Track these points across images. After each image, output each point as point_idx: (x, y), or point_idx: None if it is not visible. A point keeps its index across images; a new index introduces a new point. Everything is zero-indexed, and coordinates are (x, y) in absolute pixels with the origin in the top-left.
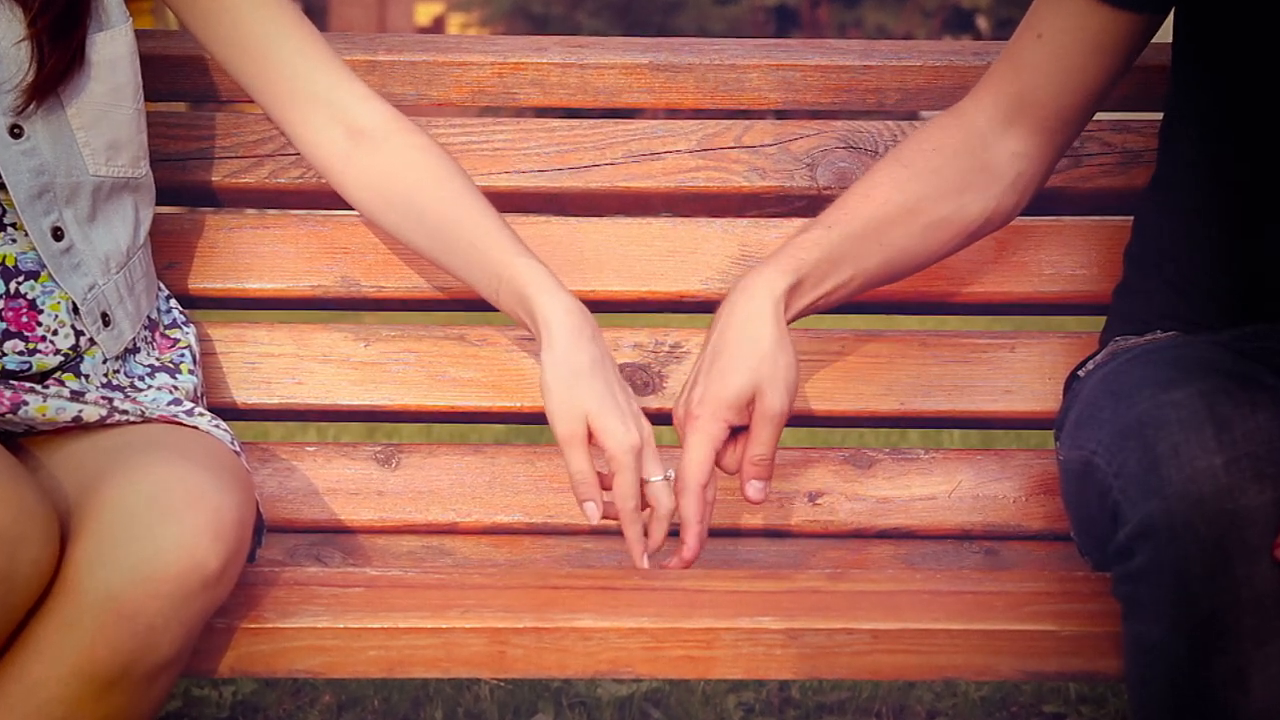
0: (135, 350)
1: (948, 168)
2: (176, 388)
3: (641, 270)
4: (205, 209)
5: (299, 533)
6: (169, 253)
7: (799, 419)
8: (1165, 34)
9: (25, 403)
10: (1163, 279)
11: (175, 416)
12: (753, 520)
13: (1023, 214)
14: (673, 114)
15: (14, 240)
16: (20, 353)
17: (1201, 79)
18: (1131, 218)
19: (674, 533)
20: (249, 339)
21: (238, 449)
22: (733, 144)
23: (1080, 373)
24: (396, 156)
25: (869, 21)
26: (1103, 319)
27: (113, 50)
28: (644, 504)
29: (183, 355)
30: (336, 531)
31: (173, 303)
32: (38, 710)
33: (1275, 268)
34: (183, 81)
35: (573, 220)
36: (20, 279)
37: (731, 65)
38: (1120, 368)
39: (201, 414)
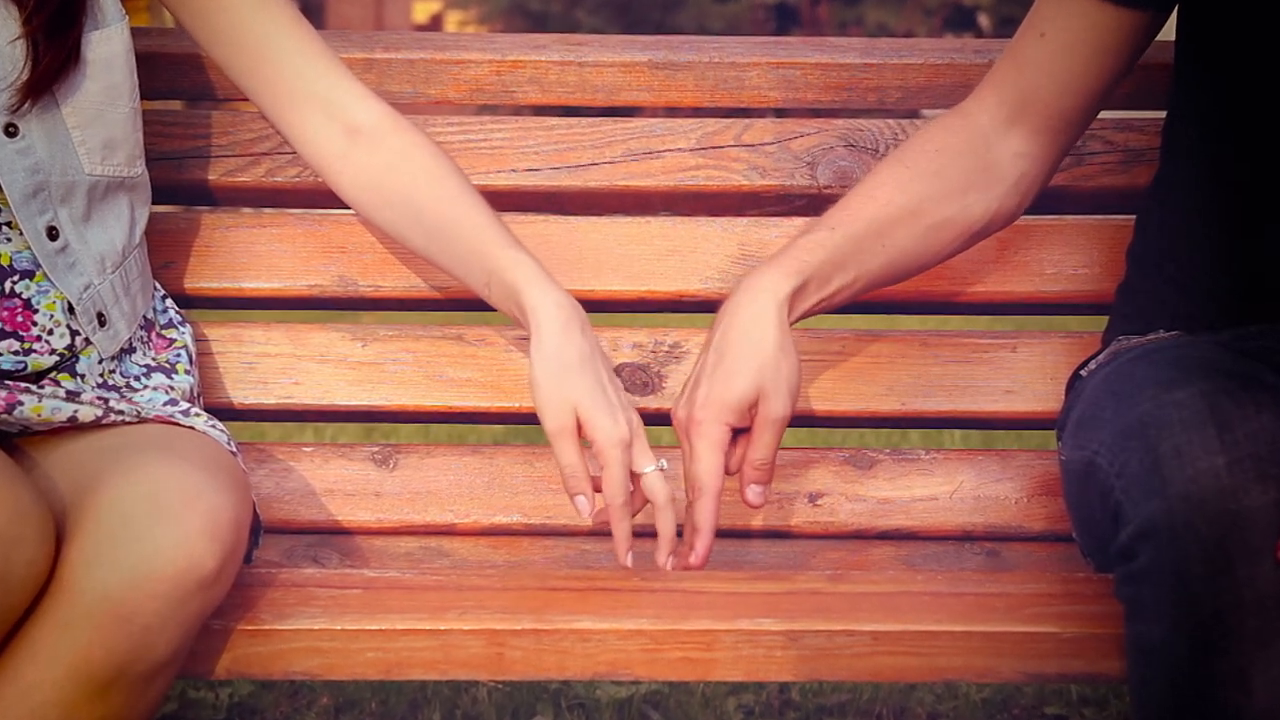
0: (131, 350)
1: (951, 169)
2: (173, 388)
3: (641, 270)
4: (201, 208)
5: (296, 534)
6: (165, 252)
7: (800, 419)
8: (1170, 32)
9: (20, 403)
10: (1164, 278)
11: (171, 417)
12: (753, 521)
13: (1024, 213)
14: (672, 112)
15: (9, 239)
16: (15, 352)
17: (1202, 79)
18: (1134, 217)
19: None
20: (245, 339)
21: (234, 449)
22: (732, 142)
23: (1082, 373)
24: (394, 154)
25: (870, 19)
26: (1105, 319)
27: (108, 49)
28: (639, 497)
29: (179, 355)
30: (334, 532)
31: (169, 302)
32: (33, 712)
33: (1275, 268)
34: (179, 80)
35: (572, 219)
36: (15, 278)
37: (731, 63)
38: (1122, 368)
39: (198, 414)
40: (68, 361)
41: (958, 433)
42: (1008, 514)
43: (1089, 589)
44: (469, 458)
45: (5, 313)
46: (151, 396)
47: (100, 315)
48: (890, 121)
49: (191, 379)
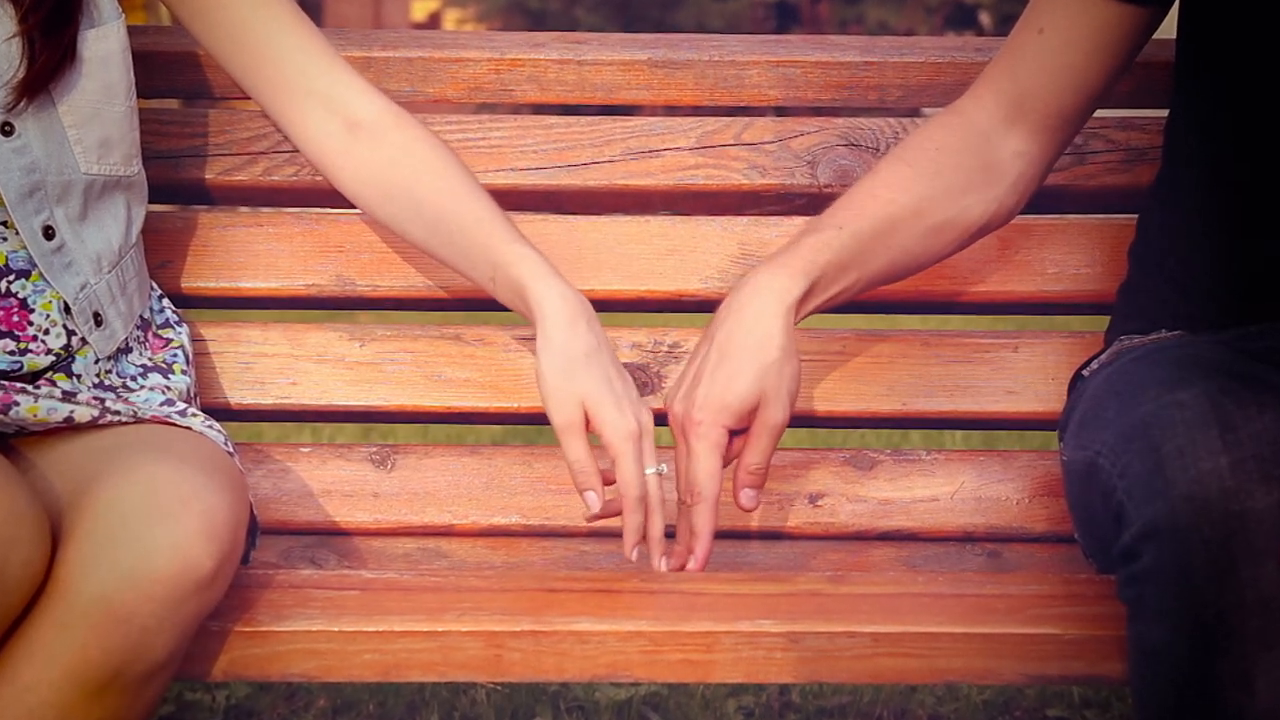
0: (127, 350)
1: (951, 168)
2: (169, 388)
3: (640, 269)
4: (198, 207)
5: (293, 535)
6: (162, 251)
7: (800, 419)
8: (1170, 30)
9: (16, 403)
10: (1165, 278)
11: (168, 417)
12: (753, 522)
13: (1026, 212)
14: (672, 111)
15: (4, 239)
16: (11, 353)
17: (1202, 79)
18: (1136, 216)
19: (669, 534)
20: (243, 339)
21: (231, 450)
22: (732, 141)
23: (1084, 373)
24: (396, 149)
25: (870, 18)
26: (1107, 318)
27: (105, 47)
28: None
29: (175, 355)
30: (331, 533)
31: (165, 302)
32: (30, 713)
33: (1277, 268)
34: (176, 78)
35: (571, 218)
36: (11, 278)
37: (731, 62)
38: (1125, 368)
39: (194, 414)
40: (64, 361)
41: (959, 433)
42: (1009, 515)
43: (1091, 590)
44: (467, 458)
45: (1, 312)
46: (148, 397)
47: (97, 315)
48: (891, 120)
49: (188, 379)
